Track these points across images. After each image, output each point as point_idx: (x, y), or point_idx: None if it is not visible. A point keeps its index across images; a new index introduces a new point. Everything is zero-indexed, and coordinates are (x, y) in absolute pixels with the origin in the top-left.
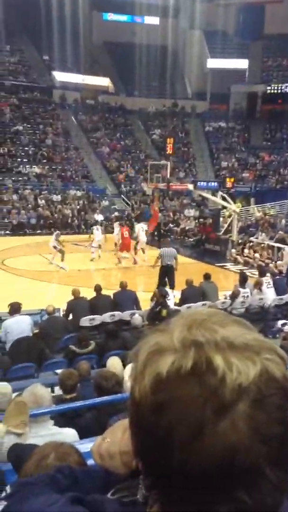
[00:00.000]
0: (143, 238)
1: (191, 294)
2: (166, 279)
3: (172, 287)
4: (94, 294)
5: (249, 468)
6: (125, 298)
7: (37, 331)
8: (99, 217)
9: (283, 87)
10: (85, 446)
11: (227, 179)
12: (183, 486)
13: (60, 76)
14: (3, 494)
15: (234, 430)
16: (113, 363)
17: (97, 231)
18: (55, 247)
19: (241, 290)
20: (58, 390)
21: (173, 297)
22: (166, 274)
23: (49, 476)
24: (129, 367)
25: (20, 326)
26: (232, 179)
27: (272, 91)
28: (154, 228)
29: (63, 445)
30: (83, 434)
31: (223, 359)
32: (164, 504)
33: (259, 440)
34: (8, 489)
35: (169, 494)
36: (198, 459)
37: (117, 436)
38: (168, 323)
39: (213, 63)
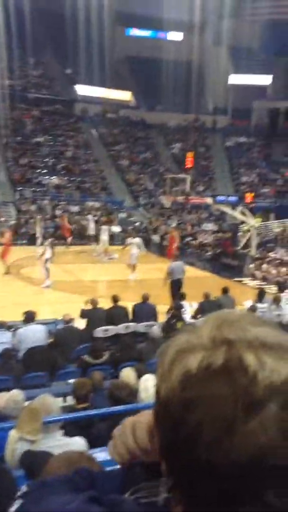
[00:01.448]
0: (134, 251)
1: (208, 307)
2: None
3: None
4: (110, 304)
5: (279, 470)
6: (146, 311)
7: (51, 339)
8: (116, 228)
9: None
10: (97, 455)
11: (247, 194)
12: (208, 485)
13: (82, 90)
14: (18, 493)
15: (264, 431)
16: (127, 374)
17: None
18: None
19: (259, 305)
20: (70, 400)
21: (189, 310)
22: (177, 288)
23: (66, 477)
24: (144, 378)
25: (35, 335)
26: (252, 194)
27: None
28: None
29: (85, 451)
30: (96, 443)
31: (255, 357)
32: (187, 504)
33: None
34: (23, 488)
35: (193, 494)
36: (226, 458)
37: (126, 431)
38: (196, 324)
39: (235, 78)
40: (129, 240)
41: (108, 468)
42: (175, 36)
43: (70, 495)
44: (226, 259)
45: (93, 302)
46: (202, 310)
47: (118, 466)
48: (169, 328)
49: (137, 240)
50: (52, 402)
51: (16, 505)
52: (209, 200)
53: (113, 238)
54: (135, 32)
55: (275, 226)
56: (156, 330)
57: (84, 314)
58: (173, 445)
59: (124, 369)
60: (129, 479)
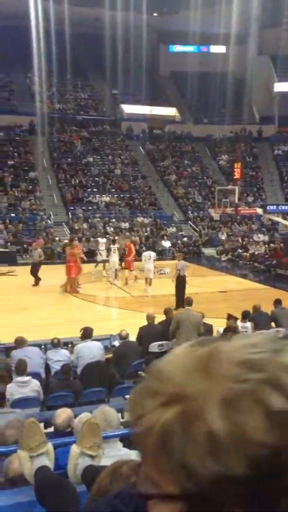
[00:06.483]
0: (148, 266)
1: (259, 320)
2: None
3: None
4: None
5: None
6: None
7: (110, 355)
8: (166, 243)
9: None
10: None
11: None
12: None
13: (128, 109)
14: None
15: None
16: None
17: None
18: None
19: None
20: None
21: (249, 327)
22: (183, 283)
23: (109, 504)
24: None
25: (91, 351)
26: None
27: None
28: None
29: (133, 460)
30: None
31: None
32: None
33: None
34: None
35: None
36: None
37: None
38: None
39: (280, 86)
40: (143, 255)
41: None
42: (218, 49)
43: None
44: (280, 270)
45: (148, 318)
46: (256, 324)
47: None
48: None
49: (149, 253)
50: (112, 412)
51: None
52: (259, 210)
53: (163, 253)
54: (178, 48)
55: None
56: None
57: (139, 331)
58: None
59: None
60: None
